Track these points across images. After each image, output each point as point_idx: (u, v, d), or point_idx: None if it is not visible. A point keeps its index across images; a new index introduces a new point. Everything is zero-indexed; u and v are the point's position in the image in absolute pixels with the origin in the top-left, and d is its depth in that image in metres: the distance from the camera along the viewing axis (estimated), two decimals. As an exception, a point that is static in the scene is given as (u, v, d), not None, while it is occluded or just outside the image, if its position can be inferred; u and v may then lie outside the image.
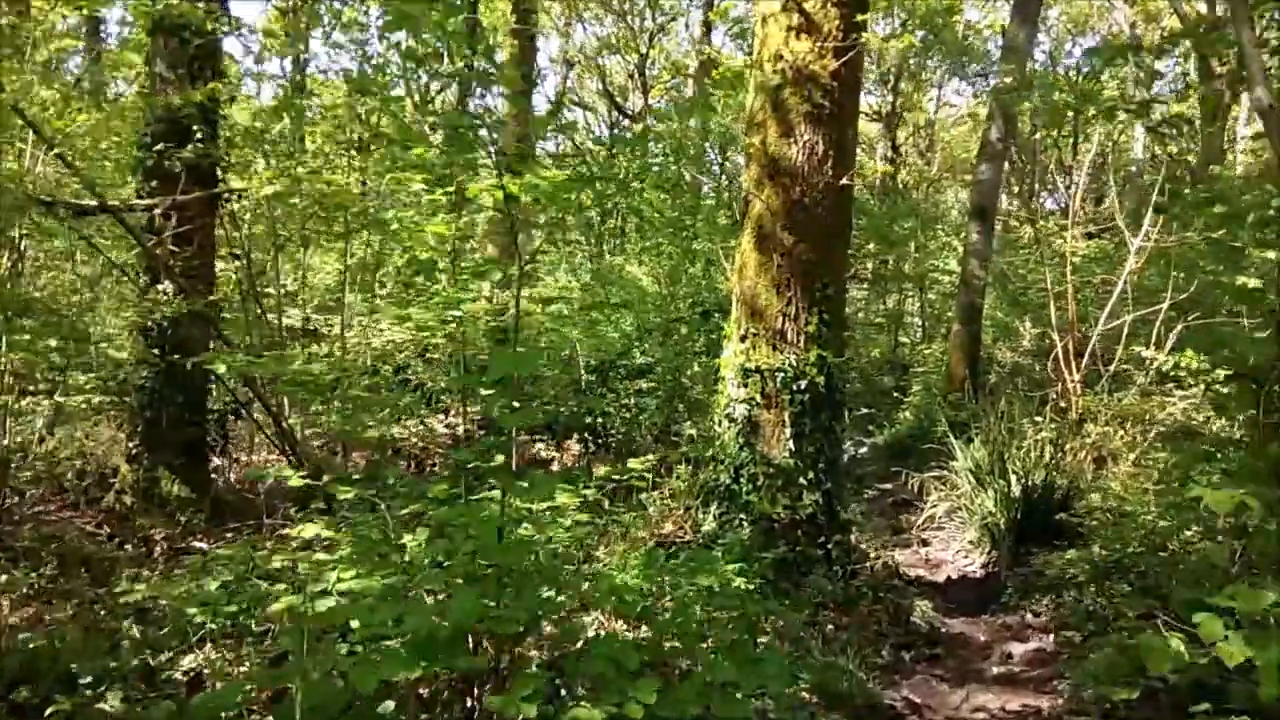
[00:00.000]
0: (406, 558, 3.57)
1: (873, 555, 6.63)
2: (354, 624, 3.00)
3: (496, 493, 3.58)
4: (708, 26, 22.88)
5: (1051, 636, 5.65)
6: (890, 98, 24.22)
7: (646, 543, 6.10)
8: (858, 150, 6.50)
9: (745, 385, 6.06)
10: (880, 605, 5.90)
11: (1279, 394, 4.12)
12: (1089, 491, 7.29)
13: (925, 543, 8.06)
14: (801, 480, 5.94)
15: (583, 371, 9.64)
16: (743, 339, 6.12)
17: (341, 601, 3.29)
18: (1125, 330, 8.06)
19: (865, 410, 14.77)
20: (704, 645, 3.41)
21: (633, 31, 26.38)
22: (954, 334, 12.90)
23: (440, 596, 3.40)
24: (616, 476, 4.22)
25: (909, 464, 11.64)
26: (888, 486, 10.82)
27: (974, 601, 6.59)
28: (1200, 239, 8.12)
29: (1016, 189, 23.87)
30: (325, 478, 4.02)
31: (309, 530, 3.59)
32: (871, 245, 18.98)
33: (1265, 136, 3.52)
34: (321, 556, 3.60)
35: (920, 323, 17.83)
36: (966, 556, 7.59)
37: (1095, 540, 5.84)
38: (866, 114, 27.35)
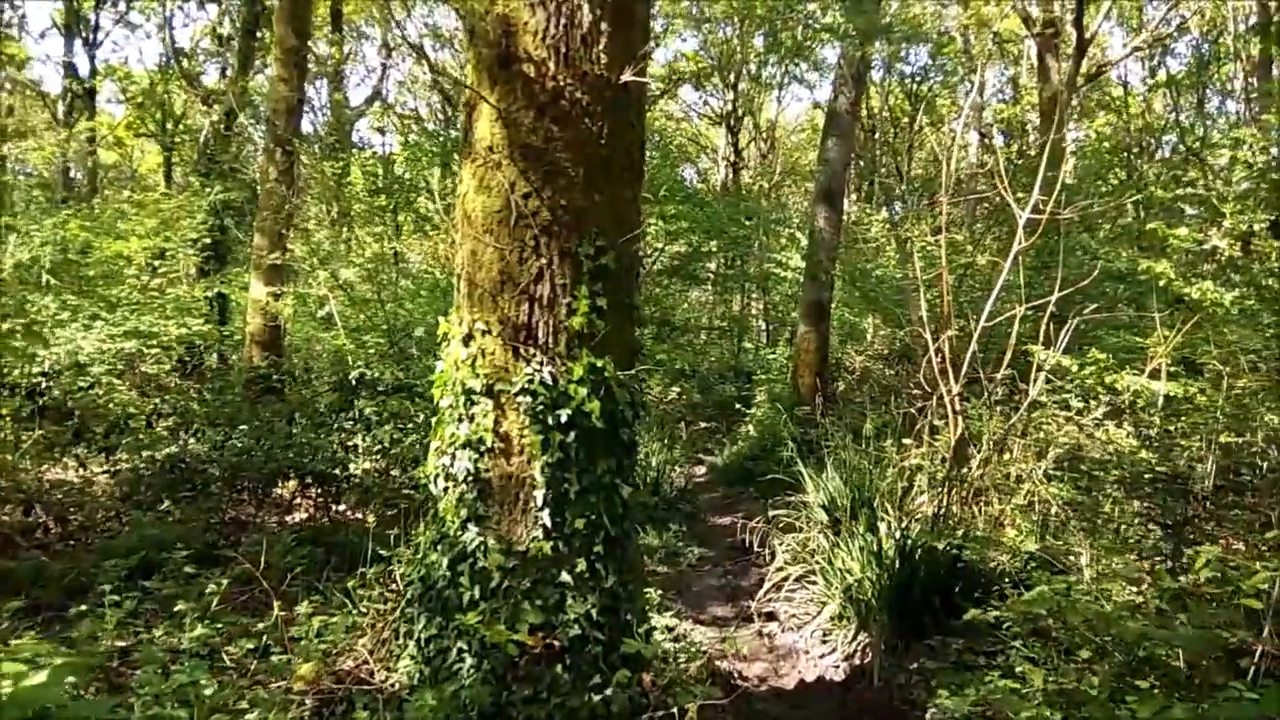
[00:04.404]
0: None
1: (695, 664, 4.08)
2: None
3: None
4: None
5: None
6: (731, 96, 22.20)
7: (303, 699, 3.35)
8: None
9: (470, 418, 3.39)
10: (696, 779, 3.34)
11: None
12: (986, 547, 5.00)
13: (772, 616, 5.59)
14: (564, 577, 3.31)
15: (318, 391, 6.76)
16: (467, 340, 3.44)
17: None
18: (1015, 327, 5.91)
19: (705, 425, 12.42)
20: None
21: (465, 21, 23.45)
22: (800, 336, 10.65)
23: None
24: None
25: (750, 491, 9.33)
26: (726, 522, 8.39)
27: (839, 730, 4.15)
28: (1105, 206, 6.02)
29: (857, 190, 22.30)
30: None
31: None
32: (714, 244, 16.82)
33: None
34: None
35: (764, 325, 15.70)
36: (825, 641, 5.15)
37: (1020, 652, 3.48)
38: (709, 117, 25.36)
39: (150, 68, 21.48)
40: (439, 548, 3.40)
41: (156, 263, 9.18)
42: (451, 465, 3.40)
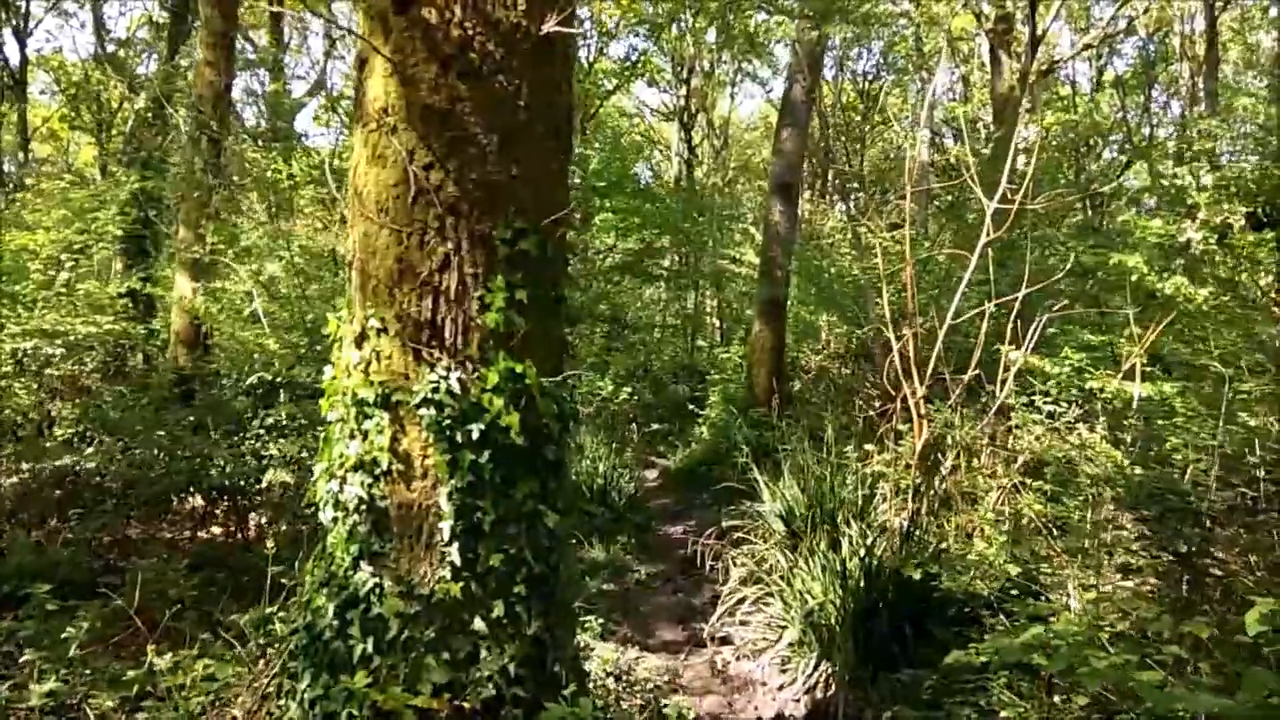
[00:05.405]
0: None
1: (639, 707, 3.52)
2: None
3: None
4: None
5: None
6: (684, 92, 21.69)
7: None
8: None
9: (362, 435, 2.80)
10: None
11: None
12: (961, 570, 4.52)
13: (726, 641, 5.06)
14: (477, 624, 2.73)
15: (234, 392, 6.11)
16: (360, 340, 2.85)
17: None
18: (984, 324, 5.46)
19: (658, 426, 11.88)
20: None
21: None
22: (755, 335, 10.17)
23: None
24: None
25: (704, 498, 8.81)
26: (678, 531, 7.86)
27: (802, 781, 3.63)
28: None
29: (811, 186, 21.93)
30: None
31: None
32: (667, 240, 16.31)
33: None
34: None
35: (719, 323, 15.23)
36: (784, 670, 4.63)
37: (1006, 700, 2.99)
38: (660, 113, 24.84)
39: (85, 58, 20.39)
40: (326, 590, 2.80)
41: (64, 256, 8.37)
42: (341, 491, 2.80)
